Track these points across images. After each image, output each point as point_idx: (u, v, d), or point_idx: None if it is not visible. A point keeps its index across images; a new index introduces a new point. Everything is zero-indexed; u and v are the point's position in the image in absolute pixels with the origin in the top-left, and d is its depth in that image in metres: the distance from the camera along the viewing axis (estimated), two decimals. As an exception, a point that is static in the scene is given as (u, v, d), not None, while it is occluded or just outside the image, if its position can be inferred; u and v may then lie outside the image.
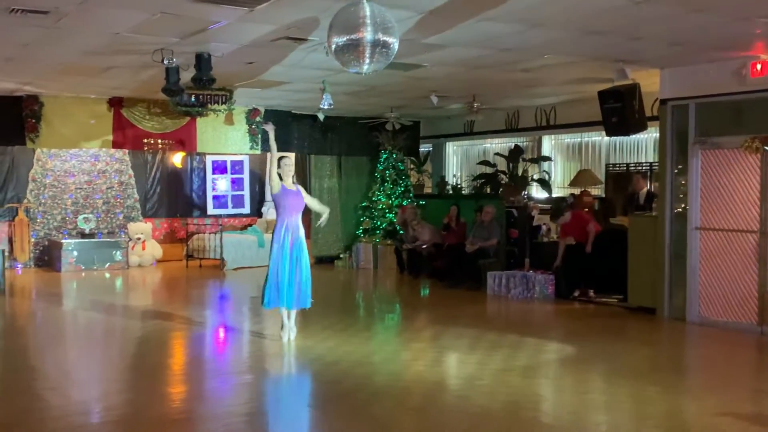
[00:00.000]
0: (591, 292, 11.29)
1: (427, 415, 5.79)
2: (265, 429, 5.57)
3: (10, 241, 14.77)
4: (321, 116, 11.54)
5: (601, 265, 11.36)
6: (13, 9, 6.88)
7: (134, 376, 7.19)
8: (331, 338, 8.50)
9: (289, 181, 8.32)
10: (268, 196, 17.59)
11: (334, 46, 5.97)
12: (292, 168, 8.47)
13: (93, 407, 6.07)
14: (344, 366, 7.20)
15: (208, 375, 7.22)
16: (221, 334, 9.37)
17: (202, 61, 8.94)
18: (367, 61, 5.93)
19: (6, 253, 13.47)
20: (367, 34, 5.82)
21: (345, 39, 5.89)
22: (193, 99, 10.83)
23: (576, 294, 11.33)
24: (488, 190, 14.45)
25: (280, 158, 8.45)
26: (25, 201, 14.93)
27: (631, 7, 6.59)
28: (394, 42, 6.00)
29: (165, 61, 8.87)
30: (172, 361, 8.01)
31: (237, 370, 7.42)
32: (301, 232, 8.34)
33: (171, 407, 6.17)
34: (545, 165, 14.17)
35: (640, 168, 12.33)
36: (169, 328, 9.27)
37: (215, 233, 15.41)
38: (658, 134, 10.45)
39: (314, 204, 8.96)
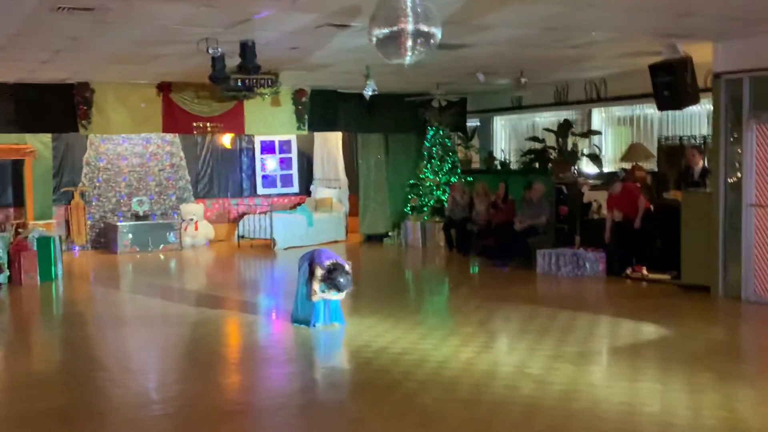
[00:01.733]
0: (644, 270, 11.12)
1: (475, 407, 5.80)
2: (317, 421, 5.65)
3: (68, 225, 15.17)
4: (367, 95, 11.52)
5: (653, 242, 11.21)
6: (60, 7, 6.99)
7: (190, 365, 7.34)
8: (380, 323, 8.55)
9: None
10: (316, 175, 17.73)
11: (375, 39, 5.93)
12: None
13: (150, 399, 6.24)
14: (393, 353, 7.24)
15: (260, 364, 7.35)
16: (272, 318, 9.50)
17: (247, 50, 9.00)
18: (409, 52, 5.88)
19: (63, 238, 13.88)
20: (409, 25, 5.76)
21: (386, 30, 5.84)
22: (239, 84, 10.87)
23: (628, 271, 11.18)
24: (537, 166, 14.27)
25: None
26: (80, 185, 15.29)
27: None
28: (436, 31, 5.93)
29: (210, 50, 8.93)
30: (227, 349, 8.15)
31: (288, 358, 7.52)
32: None
33: (226, 398, 6.30)
34: (595, 139, 13.93)
35: (693, 141, 12.03)
36: (223, 313, 9.43)
37: (265, 213, 15.57)
38: (711, 106, 10.18)
39: None
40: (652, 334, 7.97)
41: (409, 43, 5.82)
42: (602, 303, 10.03)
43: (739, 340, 8.33)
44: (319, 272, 8.00)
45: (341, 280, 7.98)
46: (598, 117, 14.21)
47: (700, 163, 11.00)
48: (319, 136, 17.17)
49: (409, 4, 5.75)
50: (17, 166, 14.52)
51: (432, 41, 5.94)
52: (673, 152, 12.27)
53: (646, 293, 10.26)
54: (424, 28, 5.82)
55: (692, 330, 8.25)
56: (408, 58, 5.94)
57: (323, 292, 8.06)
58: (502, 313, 9.17)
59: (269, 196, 17.34)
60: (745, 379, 6.47)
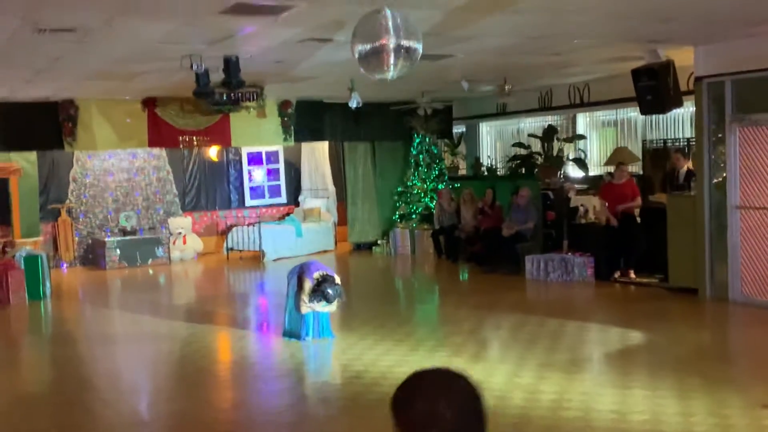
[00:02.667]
0: (631, 273, 11.17)
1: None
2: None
3: (55, 241, 15.10)
4: (353, 107, 11.60)
5: (640, 245, 11.27)
6: (41, 29, 6.98)
7: (180, 383, 7.32)
8: (370, 335, 8.56)
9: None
10: (304, 185, 17.72)
11: (357, 54, 5.96)
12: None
13: (141, 420, 6.22)
14: (383, 366, 7.25)
15: (251, 380, 7.34)
16: (262, 333, 9.49)
17: (231, 65, 8.99)
18: (392, 67, 5.91)
19: (51, 255, 13.82)
20: (390, 41, 5.80)
21: (368, 47, 5.88)
22: (224, 98, 10.88)
23: (616, 275, 11.23)
24: (523, 171, 14.33)
25: None
26: (67, 201, 15.23)
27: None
28: (417, 46, 5.96)
29: (194, 67, 8.92)
30: (217, 366, 8.13)
31: (278, 373, 7.51)
32: None
33: (216, 417, 6.29)
34: (580, 143, 14.00)
35: (677, 144, 12.11)
36: (213, 328, 9.42)
37: (253, 225, 15.56)
38: (694, 109, 10.25)
39: None
40: (641, 339, 8.02)
41: (392, 58, 5.85)
42: (591, 309, 10.07)
43: (727, 343, 8.41)
44: (307, 284, 8.00)
45: (330, 291, 7.99)
46: (583, 121, 14.28)
47: (685, 166, 11.07)
48: (306, 146, 17.17)
49: (390, 20, 5.78)
50: (3, 184, 14.43)
51: (414, 56, 5.97)
52: (658, 155, 12.36)
53: (634, 297, 10.31)
54: (406, 43, 5.85)
55: (681, 334, 8.30)
56: (391, 74, 5.97)
57: (312, 303, 8.07)
58: (492, 321, 9.20)
59: (257, 207, 17.32)
60: (733, 383, 6.52)
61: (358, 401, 6.36)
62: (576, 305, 10.31)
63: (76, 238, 15.32)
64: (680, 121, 12.45)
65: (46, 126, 12.85)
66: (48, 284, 12.04)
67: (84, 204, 15.37)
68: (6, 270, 11.48)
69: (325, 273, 8.09)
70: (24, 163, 14.34)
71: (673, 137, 12.47)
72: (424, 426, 1.82)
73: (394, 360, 7.46)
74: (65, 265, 15.02)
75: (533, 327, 8.61)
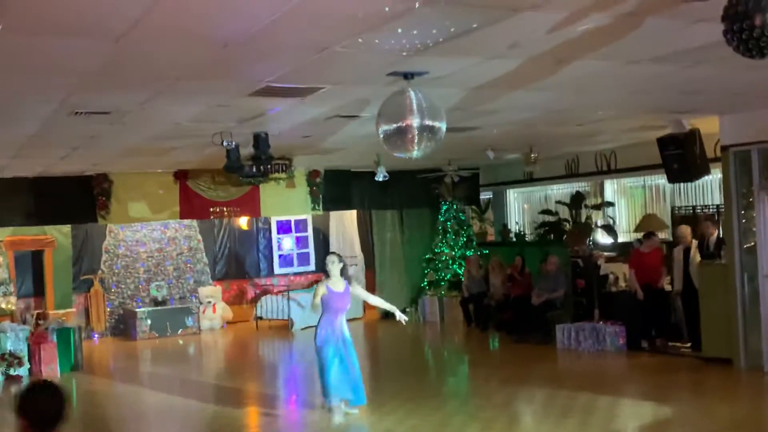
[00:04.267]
0: (657, 342, 11.02)
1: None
2: None
3: (87, 312, 15.27)
4: (379, 180, 11.79)
5: (671, 313, 11.14)
6: (77, 112, 7.22)
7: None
8: (399, 408, 8.48)
9: (335, 279, 8.32)
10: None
11: (382, 135, 6.07)
12: (336, 265, 8.40)
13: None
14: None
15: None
16: (290, 409, 9.43)
17: (260, 141, 9.19)
18: (416, 146, 6.01)
19: (82, 325, 13.97)
20: (414, 121, 5.90)
21: (393, 126, 5.99)
22: (254, 170, 11.08)
23: (644, 345, 11.08)
24: (552, 238, 14.29)
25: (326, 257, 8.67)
26: (100, 272, 15.44)
27: (679, 71, 6.52)
28: (441, 125, 6.06)
29: (224, 143, 9.12)
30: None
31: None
32: (346, 330, 8.38)
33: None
34: (609, 210, 13.97)
35: (707, 211, 12.03)
36: (242, 402, 9.39)
37: (282, 294, 15.61)
38: (722, 176, 10.22)
39: (372, 300, 9.22)
40: (675, 414, 7.85)
41: (416, 138, 5.95)
42: (624, 381, 9.89)
43: (762, 417, 8.17)
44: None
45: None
46: (611, 188, 14.27)
47: (715, 233, 10.96)
48: (334, 214, 17.32)
49: (414, 100, 5.90)
50: (37, 256, 14.72)
51: (438, 135, 6.07)
52: (687, 222, 12.25)
53: (668, 368, 10.11)
54: (430, 122, 5.95)
55: (714, 407, 8.10)
56: (415, 152, 6.06)
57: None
58: (523, 394, 9.09)
59: (286, 275, 17.42)
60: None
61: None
62: (608, 377, 10.14)
63: (108, 309, 15.48)
64: (709, 187, 12.39)
65: (80, 200, 13.11)
66: (80, 356, 12.14)
67: (116, 274, 15.57)
68: (39, 342, 11.62)
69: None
70: (58, 234, 14.64)
71: (702, 203, 12.39)
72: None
73: (424, 436, 7.38)
74: (97, 335, 15.16)
75: (565, 400, 8.48)
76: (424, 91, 6.09)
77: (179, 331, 15.23)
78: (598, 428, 7.41)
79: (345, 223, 17.40)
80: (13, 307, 12.31)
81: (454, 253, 15.61)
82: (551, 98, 7.78)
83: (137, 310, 15.10)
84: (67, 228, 14.73)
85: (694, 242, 10.92)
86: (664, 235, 12.61)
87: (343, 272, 8.35)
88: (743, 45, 3.61)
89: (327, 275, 8.38)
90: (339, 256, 8.59)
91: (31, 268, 14.84)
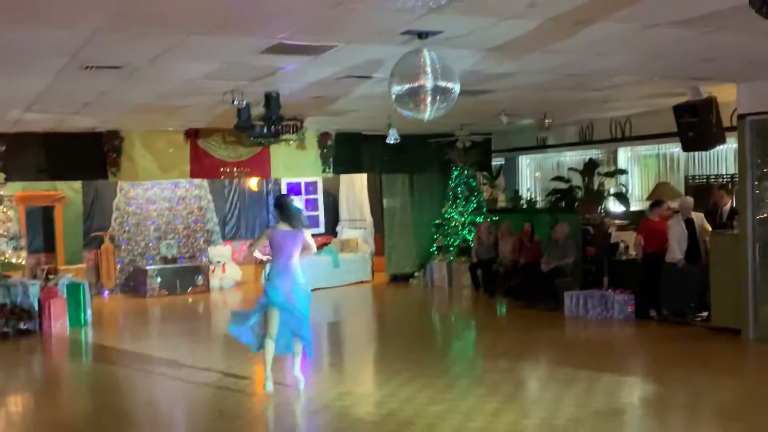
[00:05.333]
0: (665, 311, 10.99)
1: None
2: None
3: (97, 269, 15.36)
4: (390, 142, 11.73)
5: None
6: (88, 66, 7.16)
7: (217, 418, 7.28)
8: (404, 370, 8.49)
9: (285, 223, 7.77)
10: (342, 215, 17.80)
11: (394, 95, 6.00)
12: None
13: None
14: (418, 404, 7.18)
15: (288, 415, 7.31)
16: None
17: (271, 100, 9.14)
18: (428, 108, 5.94)
19: (92, 282, 14.07)
20: (428, 82, 5.84)
21: (406, 87, 5.92)
22: (265, 131, 11.03)
23: (653, 314, 11.06)
24: (563, 205, 14.21)
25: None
26: (110, 229, 15.50)
27: (698, 37, 6.40)
28: (454, 87, 6.00)
29: (235, 102, 9.06)
30: (253, 399, 8.09)
31: (315, 407, 7.47)
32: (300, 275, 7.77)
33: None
34: (622, 178, 13.87)
35: (720, 180, 11.92)
36: (250, 360, 9.43)
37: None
38: (737, 145, 10.10)
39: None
40: (683, 384, 7.80)
41: (429, 99, 5.89)
42: (631, 349, 9.89)
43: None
44: None
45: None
46: (624, 156, 14.15)
47: (728, 203, 10.88)
48: (344, 177, 17.29)
49: (427, 61, 5.82)
50: (48, 212, 14.77)
51: (451, 97, 6.00)
52: (701, 191, 12.15)
53: (675, 337, 10.09)
54: (443, 84, 5.89)
55: (723, 378, 8.08)
56: (427, 114, 6.00)
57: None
58: (529, 360, 9.10)
59: (296, 237, 17.44)
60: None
61: (391, 441, 6.31)
62: (615, 345, 10.15)
63: (118, 266, 15.56)
64: (724, 157, 12.25)
65: (91, 156, 13.10)
66: (89, 312, 12.23)
67: (126, 232, 15.62)
68: (49, 297, 11.70)
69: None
70: (69, 191, 14.67)
71: (716, 173, 12.27)
72: None
73: (429, 397, 7.40)
74: (107, 292, 15.26)
75: (571, 367, 8.47)
76: (438, 51, 6.01)
77: (189, 290, 15.31)
78: (603, 395, 7.41)
79: (355, 187, 17.37)
80: (24, 262, 12.36)
81: (463, 218, 15.57)
82: (568, 61, 7.67)
83: (147, 267, 15.18)
84: (77, 184, 14.76)
85: (699, 214, 10.81)
86: (676, 204, 12.50)
87: (295, 217, 7.78)
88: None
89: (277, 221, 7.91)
90: (290, 198, 8.10)
91: (42, 223, 14.91)
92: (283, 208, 7.83)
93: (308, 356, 8.04)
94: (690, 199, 11.02)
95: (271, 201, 17.31)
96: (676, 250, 10.67)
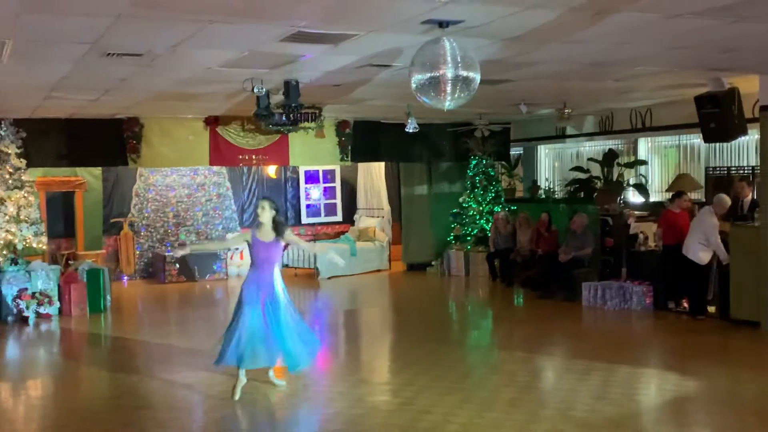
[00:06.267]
0: (685, 303, 10.92)
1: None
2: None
3: (117, 254, 15.47)
4: (409, 132, 11.71)
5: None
6: (109, 53, 7.20)
7: (233, 403, 7.33)
8: (420, 360, 8.52)
9: (265, 229, 7.26)
10: (360, 204, 17.81)
11: (415, 84, 5.99)
12: (267, 212, 7.28)
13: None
14: (434, 394, 7.21)
15: (302, 402, 7.36)
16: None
17: (291, 88, 9.15)
18: (449, 97, 5.93)
19: (112, 268, 14.18)
20: (448, 71, 5.82)
21: (426, 76, 5.91)
22: (284, 119, 11.05)
23: (671, 306, 11.00)
24: (582, 195, 14.15)
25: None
26: (130, 215, 15.60)
27: (722, 27, 6.33)
28: (475, 76, 5.99)
29: (255, 90, 9.10)
30: (267, 387, 8.13)
31: (329, 396, 7.51)
32: (279, 287, 7.32)
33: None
34: (642, 169, 13.78)
35: (741, 172, 11.79)
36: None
37: (309, 242, 15.66)
38: (759, 137, 10.00)
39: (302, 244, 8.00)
40: (701, 379, 7.74)
41: (449, 88, 5.87)
42: (649, 341, 9.84)
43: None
44: None
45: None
46: (644, 146, 14.04)
47: (749, 195, 10.78)
48: (362, 166, 17.30)
49: (448, 50, 5.81)
50: (68, 198, 14.88)
51: (471, 86, 5.99)
52: (722, 183, 12.03)
53: (693, 330, 10.04)
54: (464, 73, 5.87)
55: (743, 373, 8.00)
56: (448, 103, 5.99)
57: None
58: (546, 350, 9.10)
59: (313, 225, 17.50)
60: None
61: (407, 430, 6.32)
62: (633, 336, 10.11)
63: (137, 252, 15.67)
64: (745, 148, 12.12)
65: (111, 143, 13.19)
66: (108, 297, 12.35)
67: (146, 218, 15.72)
68: (69, 282, 11.82)
69: None
70: (89, 177, 14.77)
71: (737, 164, 12.15)
72: None
73: (446, 386, 7.41)
74: (126, 278, 15.38)
75: (588, 357, 8.46)
76: (459, 40, 5.99)
77: (207, 276, 15.41)
78: (620, 386, 7.39)
79: (373, 175, 17.37)
80: (44, 247, 12.48)
81: (481, 208, 15.53)
82: (589, 51, 7.61)
83: (166, 254, 15.27)
84: (97, 170, 14.86)
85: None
86: (696, 195, 12.42)
87: (276, 224, 7.26)
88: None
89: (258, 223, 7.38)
90: (271, 202, 7.39)
91: (62, 209, 15.03)
92: (278, 212, 7.31)
93: (289, 370, 7.48)
94: (727, 199, 10.70)
95: (290, 189, 17.38)
96: (721, 248, 10.25)
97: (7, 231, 11.75)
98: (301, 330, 7.42)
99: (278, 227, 7.26)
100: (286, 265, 15.95)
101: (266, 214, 7.23)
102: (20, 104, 10.94)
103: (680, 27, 6.46)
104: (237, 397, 7.18)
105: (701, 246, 10.37)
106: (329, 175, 17.71)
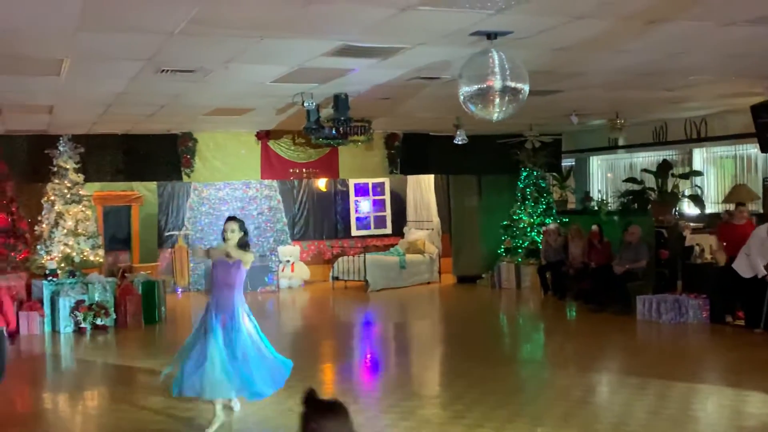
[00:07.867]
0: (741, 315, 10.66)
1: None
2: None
3: (171, 267, 15.74)
4: (458, 142, 11.69)
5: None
6: (163, 70, 7.36)
7: (285, 413, 7.37)
8: (472, 371, 8.45)
9: (228, 249, 6.69)
10: (409, 216, 17.82)
11: (463, 96, 5.98)
12: (236, 234, 6.75)
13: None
14: (485, 407, 7.15)
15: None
16: (362, 369, 9.53)
17: (340, 102, 9.22)
18: (497, 108, 5.91)
19: (166, 280, 14.43)
20: (497, 82, 5.80)
21: (475, 88, 5.90)
22: (333, 132, 11.14)
23: (728, 319, 10.73)
24: (636, 207, 13.93)
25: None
26: (184, 229, 15.87)
27: (779, 33, 6.20)
28: (524, 87, 5.95)
29: (305, 104, 9.19)
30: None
31: (382, 408, 7.50)
32: (240, 311, 6.73)
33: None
34: (697, 180, 13.51)
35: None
36: (318, 360, 9.53)
37: (359, 255, 15.75)
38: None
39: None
40: (759, 393, 7.55)
41: (498, 99, 5.85)
42: (706, 356, 9.59)
43: None
44: None
45: None
46: (700, 157, 13.77)
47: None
48: (411, 178, 17.33)
49: (496, 61, 5.79)
50: (125, 211, 15.21)
51: (520, 96, 5.95)
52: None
53: (753, 344, 9.77)
54: (512, 84, 5.84)
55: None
56: (497, 115, 5.96)
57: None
58: (600, 364, 8.96)
59: (363, 237, 17.56)
60: None
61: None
62: (689, 351, 9.87)
63: (191, 264, 15.91)
64: (805, 158, 11.82)
65: (166, 157, 13.47)
66: (163, 309, 12.56)
67: (199, 231, 15.97)
68: (125, 294, 12.06)
69: None
70: (144, 191, 15.08)
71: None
72: None
73: (497, 400, 7.34)
74: (180, 290, 15.62)
75: (643, 372, 8.28)
76: (507, 52, 5.97)
77: (259, 289, 15.56)
78: (675, 402, 7.23)
79: (422, 188, 17.37)
80: (101, 260, 12.77)
81: (532, 220, 15.40)
82: (640, 61, 7.52)
83: (218, 266, 15.43)
84: (153, 185, 15.17)
85: None
86: (754, 206, 12.13)
87: (243, 243, 6.74)
88: None
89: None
90: (241, 223, 6.84)
91: (119, 222, 15.35)
92: (246, 234, 6.79)
93: (248, 398, 6.94)
94: None
95: (339, 202, 17.47)
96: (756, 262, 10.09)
97: (65, 244, 12.07)
98: (264, 357, 6.87)
99: (245, 248, 6.75)
100: (336, 278, 16.03)
101: (236, 237, 6.71)
102: (78, 120, 11.24)
103: (734, 35, 6.34)
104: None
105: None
106: (379, 188, 17.77)
